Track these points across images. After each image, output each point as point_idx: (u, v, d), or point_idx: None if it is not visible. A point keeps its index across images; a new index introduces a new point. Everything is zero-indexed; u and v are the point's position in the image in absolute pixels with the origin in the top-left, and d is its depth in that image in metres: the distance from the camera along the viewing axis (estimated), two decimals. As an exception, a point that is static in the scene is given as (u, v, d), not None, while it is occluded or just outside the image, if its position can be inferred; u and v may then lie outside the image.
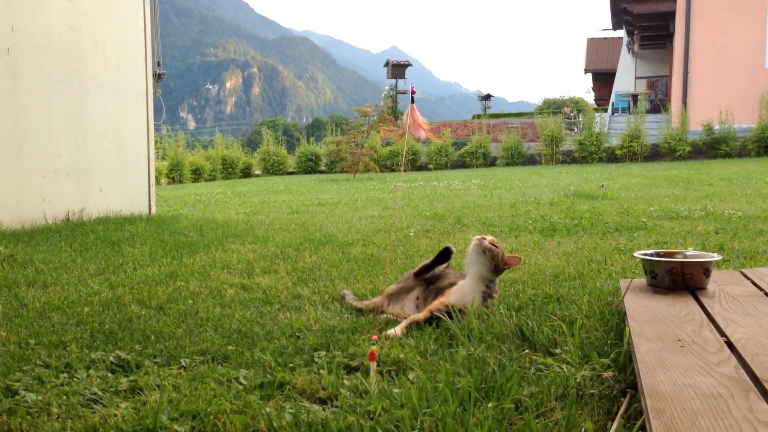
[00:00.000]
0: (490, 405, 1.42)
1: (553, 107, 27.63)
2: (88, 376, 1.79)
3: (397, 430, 1.35)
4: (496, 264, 2.22)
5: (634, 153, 15.52)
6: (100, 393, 1.64)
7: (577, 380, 1.57)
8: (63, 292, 2.84)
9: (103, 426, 1.42)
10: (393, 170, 17.51)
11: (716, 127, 15.19)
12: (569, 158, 16.49)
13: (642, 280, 2.32)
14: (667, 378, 1.33)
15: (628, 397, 1.47)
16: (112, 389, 1.69)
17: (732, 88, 17.22)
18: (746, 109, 15.65)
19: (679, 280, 2.16)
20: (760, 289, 2.16)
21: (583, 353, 1.76)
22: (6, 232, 4.75)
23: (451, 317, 2.13)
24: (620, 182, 8.69)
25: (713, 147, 15.00)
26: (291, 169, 19.11)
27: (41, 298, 2.71)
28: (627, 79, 24.37)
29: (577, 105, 27.31)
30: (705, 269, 2.16)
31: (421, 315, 2.23)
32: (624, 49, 25.19)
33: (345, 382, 1.68)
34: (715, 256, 2.21)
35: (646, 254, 2.30)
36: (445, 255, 2.42)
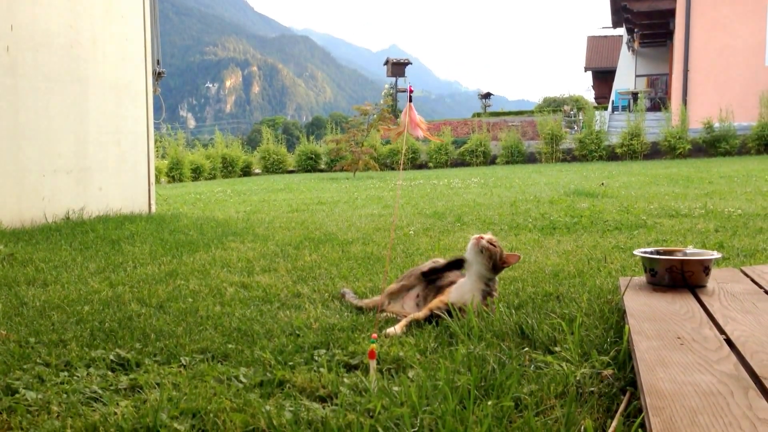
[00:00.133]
0: (489, 403, 1.43)
1: (553, 105, 27.62)
2: (88, 374, 1.79)
3: (396, 428, 1.35)
4: (494, 263, 2.22)
5: (634, 151, 15.51)
6: (100, 391, 1.64)
7: (577, 378, 1.57)
8: (63, 290, 2.84)
9: (103, 424, 1.43)
10: (393, 169, 17.51)
11: (716, 125, 15.18)
12: (569, 156, 16.49)
13: (642, 278, 2.33)
14: (667, 376, 1.33)
15: (627, 394, 1.48)
16: (112, 387, 1.69)
17: (732, 86, 17.21)
18: (746, 107, 15.64)
19: (679, 277, 2.16)
20: (760, 286, 2.16)
21: (583, 351, 1.76)
22: (6, 230, 4.75)
23: (451, 315, 2.14)
24: (620, 180, 8.69)
25: (713, 145, 14.99)
26: (291, 168, 19.10)
27: (41, 297, 2.71)
28: (627, 77, 24.35)
29: (577, 103, 27.31)
30: (705, 267, 2.16)
31: (421, 313, 2.23)
32: (624, 47, 25.17)
33: (345, 380, 1.68)
34: (715, 254, 2.21)
35: (645, 252, 2.30)
36: (457, 264, 2.40)
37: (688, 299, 2.00)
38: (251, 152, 20.69)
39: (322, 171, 18.44)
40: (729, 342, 1.56)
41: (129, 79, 6.37)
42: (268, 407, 1.48)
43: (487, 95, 33.14)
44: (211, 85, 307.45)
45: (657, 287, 2.18)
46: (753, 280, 2.26)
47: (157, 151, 16.60)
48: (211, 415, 1.45)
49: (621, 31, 25.50)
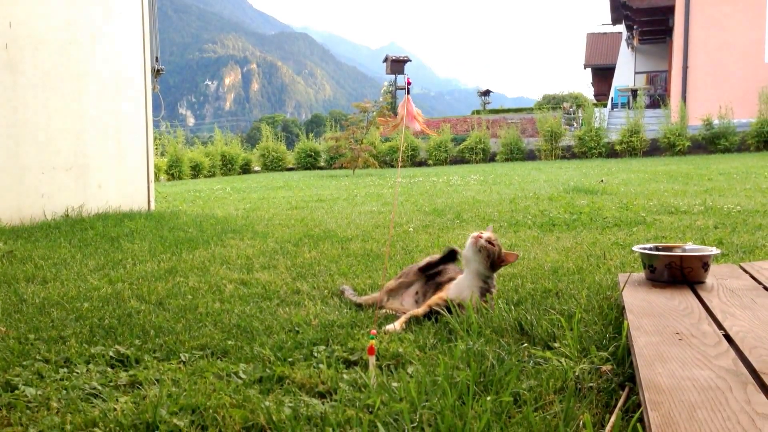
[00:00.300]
0: (488, 398, 1.43)
1: (552, 103, 27.61)
2: (87, 370, 1.79)
3: (395, 424, 1.36)
4: (492, 261, 2.22)
5: (633, 148, 15.51)
6: (99, 387, 1.65)
7: (576, 374, 1.57)
8: (62, 287, 2.84)
9: (103, 420, 1.43)
10: (392, 166, 17.50)
11: (715, 122, 15.17)
12: (569, 153, 16.48)
13: (641, 275, 2.33)
14: (666, 371, 1.33)
15: (626, 390, 1.48)
16: (111, 384, 1.69)
17: (731, 82, 17.21)
18: (746, 103, 15.63)
19: (678, 273, 2.16)
20: (759, 282, 2.16)
21: (582, 347, 1.76)
22: (5, 228, 4.75)
23: (450, 312, 2.14)
24: (620, 177, 8.69)
25: (712, 142, 14.99)
26: (290, 165, 19.09)
27: (41, 294, 2.71)
28: (626, 74, 24.34)
29: (577, 100, 27.29)
30: (703, 263, 2.17)
31: (420, 310, 2.23)
32: (623, 44, 25.16)
33: (344, 376, 1.68)
34: (714, 250, 2.21)
35: (644, 248, 2.30)
36: (451, 256, 2.42)
37: (687, 295, 2.00)
38: (250, 150, 20.67)
39: (321, 168, 18.43)
40: (728, 337, 1.56)
41: (128, 76, 6.36)
42: (267, 403, 1.49)
43: (487, 92, 33.12)
44: (210, 83, 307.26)
45: (656, 283, 2.19)
46: (752, 276, 2.27)
47: (156, 148, 16.59)
48: (211, 410, 1.46)
49: (620, 28, 25.48)
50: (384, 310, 2.38)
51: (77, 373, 1.77)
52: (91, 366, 1.82)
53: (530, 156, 17.04)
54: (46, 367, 1.81)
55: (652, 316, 1.77)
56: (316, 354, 1.88)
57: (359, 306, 2.43)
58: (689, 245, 2.35)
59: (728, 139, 14.80)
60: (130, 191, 6.40)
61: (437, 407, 1.38)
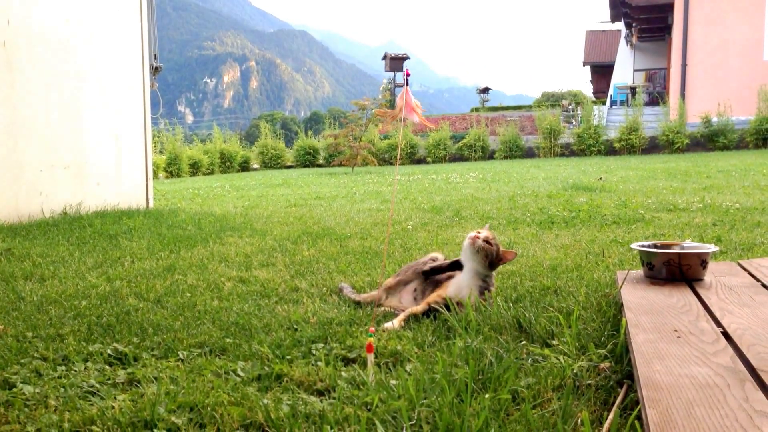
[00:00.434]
0: (487, 396, 1.43)
1: (551, 100, 27.59)
2: (85, 368, 1.79)
3: (394, 421, 1.36)
4: (491, 261, 2.22)
5: (632, 146, 15.52)
6: (97, 385, 1.64)
7: (574, 371, 1.57)
8: (60, 285, 2.84)
9: (101, 418, 1.43)
10: (391, 164, 17.50)
11: (714, 119, 15.18)
12: (567, 151, 16.48)
13: (639, 272, 2.33)
14: (663, 368, 1.33)
15: (624, 387, 1.48)
16: (109, 381, 1.69)
17: (730, 80, 17.22)
18: (744, 101, 15.64)
19: (676, 271, 2.16)
20: (757, 280, 2.17)
21: (580, 344, 1.76)
22: (3, 225, 4.74)
23: (448, 310, 2.14)
24: (618, 175, 8.69)
25: (711, 139, 15.00)
26: (289, 163, 19.08)
27: (39, 292, 2.70)
28: (625, 71, 24.34)
29: (576, 98, 27.29)
30: (702, 260, 2.17)
31: (419, 307, 2.23)
32: (622, 42, 25.16)
33: (342, 373, 1.68)
34: (712, 248, 2.21)
35: (643, 246, 2.30)
36: (457, 265, 2.39)
37: (685, 292, 2.00)
38: (249, 147, 20.67)
39: (320, 166, 18.42)
40: (726, 335, 1.57)
41: (126, 74, 6.35)
42: (265, 401, 1.49)
43: (486, 90, 33.11)
44: (209, 80, 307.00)
45: (654, 281, 2.19)
46: (750, 274, 2.27)
47: (154, 146, 16.58)
48: (209, 408, 1.45)
49: (619, 25, 25.48)
50: (383, 308, 2.38)
51: (75, 371, 1.77)
52: (89, 364, 1.82)
53: (529, 153, 17.04)
54: (44, 365, 1.81)
55: (650, 314, 1.77)
56: (314, 352, 1.88)
57: (358, 304, 2.43)
58: (688, 243, 2.35)
59: (727, 136, 14.81)
60: (129, 189, 6.39)
61: (435, 405, 1.38)
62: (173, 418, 1.42)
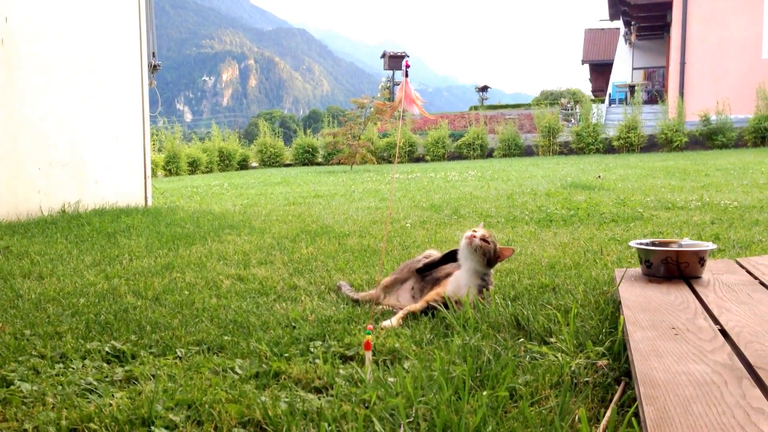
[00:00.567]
0: (484, 393, 1.43)
1: (550, 98, 27.60)
2: (83, 366, 1.79)
3: (391, 418, 1.36)
4: (488, 259, 2.22)
5: (631, 144, 15.52)
6: (95, 383, 1.64)
7: (572, 368, 1.57)
8: (59, 283, 2.84)
9: (98, 415, 1.42)
10: (390, 162, 17.49)
11: (713, 117, 15.18)
12: (566, 149, 16.49)
13: (637, 270, 2.33)
14: (661, 365, 1.33)
15: (622, 384, 1.48)
16: (107, 379, 1.69)
17: (729, 78, 17.22)
18: (743, 99, 15.65)
19: (674, 269, 2.16)
20: (755, 277, 2.17)
21: (578, 342, 1.76)
22: (2, 223, 4.74)
23: (447, 308, 2.14)
24: (617, 173, 8.69)
25: (710, 138, 15.00)
26: (288, 161, 19.07)
27: (37, 290, 2.70)
28: (624, 69, 24.34)
29: (575, 96, 27.29)
30: (700, 258, 2.17)
31: (418, 305, 2.23)
32: (621, 40, 25.15)
33: (340, 371, 1.68)
34: (710, 245, 2.22)
35: (641, 244, 2.30)
36: (452, 257, 2.40)
37: (683, 290, 2.00)
38: (248, 146, 20.66)
39: (319, 164, 18.41)
40: (723, 332, 1.57)
41: (125, 72, 6.35)
42: (263, 398, 1.49)
43: (485, 88, 33.09)
44: (207, 79, 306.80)
45: (652, 278, 2.19)
46: (748, 271, 2.27)
47: (153, 144, 16.57)
48: (207, 406, 1.45)
49: (618, 23, 25.47)
50: (381, 306, 2.38)
51: (73, 368, 1.77)
52: (86, 361, 1.82)
53: (528, 152, 17.04)
54: (41, 362, 1.81)
55: (648, 311, 1.77)
56: (312, 349, 1.88)
57: (356, 302, 2.43)
58: (686, 240, 2.35)
59: (725, 134, 14.81)
60: (127, 187, 6.39)
61: (433, 402, 1.38)
62: (171, 416, 1.42)
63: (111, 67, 6.18)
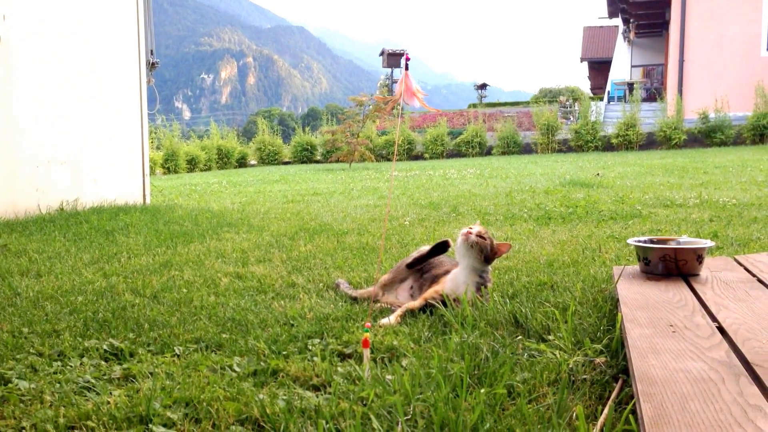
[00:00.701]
0: (482, 391, 1.43)
1: (549, 96, 27.59)
2: (81, 364, 1.79)
3: (389, 416, 1.36)
4: (485, 255, 2.22)
5: (629, 141, 15.53)
6: (93, 381, 1.64)
7: (570, 366, 1.57)
8: (57, 281, 2.83)
9: (96, 413, 1.42)
10: (389, 160, 17.49)
11: (712, 115, 15.19)
12: (565, 147, 16.49)
13: (635, 267, 2.33)
14: (659, 363, 1.33)
15: (620, 382, 1.48)
16: (105, 377, 1.69)
17: (728, 76, 17.21)
18: (742, 97, 15.65)
19: (672, 266, 2.17)
20: (753, 275, 2.17)
21: (576, 339, 1.76)
22: (0, 221, 4.73)
23: (445, 305, 2.14)
24: (616, 171, 8.70)
25: (709, 135, 15.01)
26: (286, 159, 19.06)
27: (35, 288, 2.70)
28: (623, 67, 24.33)
29: (573, 94, 27.28)
30: (698, 255, 2.17)
31: (416, 303, 2.23)
32: (620, 38, 25.13)
33: (338, 369, 1.68)
34: (708, 243, 2.22)
35: (639, 241, 2.30)
36: (441, 248, 2.41)
37: (681, 287, 2.01)
38: (247, 144, 20.64)
39: (317, 162, 18.40)
40: (721, 329, 1.57)
41: (122, 69, 6.34)
42: (261, 396, 1.49)
43: (483, 86, 33.07)
44: (206, 76, 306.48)
45: (650, 276, 2.19)
46: (746, 269, 2.27)
47: (152, 142, 16.54)
48: (205, 404, 1.45)
49: (617, 21, 25.45)
50: (379, 304, 2.38)
51: (71, 366, 1.77)
52: (84, 359, 1.82)
53: (527, 149, 17.04)
54: (39, 360, 1.80)
55: (646, 309, 1.77)
56: (310, 347, 1.88)
57: (354, 299, 2.43)
58: (684, 238, 2.35)
59: (724, 132, 14.82)
60: (126, 185, 6.38)
61: (431, 399, 1.38)
62: (169, 414, 1.42)
63: (109, 65, 6.17)
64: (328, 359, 1.76)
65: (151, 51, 6.79)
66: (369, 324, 1.85)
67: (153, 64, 6.81)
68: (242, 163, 18.77)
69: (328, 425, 1.33)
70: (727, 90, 15.87)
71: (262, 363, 1.75)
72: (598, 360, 1.60)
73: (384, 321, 2.09)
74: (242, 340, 1.94)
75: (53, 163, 5.51)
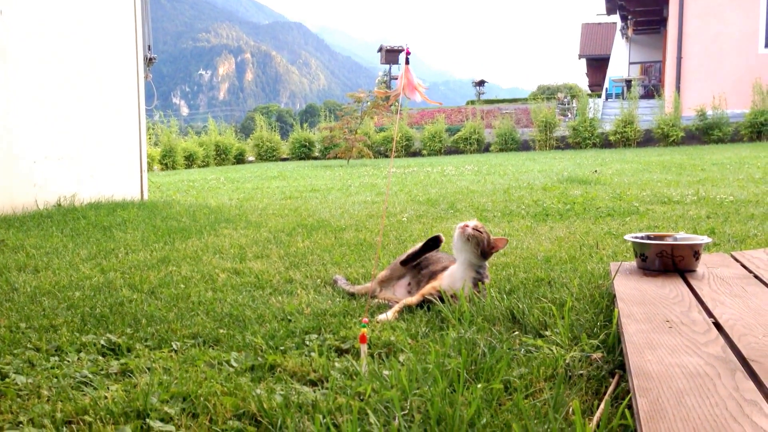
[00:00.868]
0: (479, 386, 1.43)
1: (547, 93, 27.59)
2: (78, 359, 1.79)
3: (386, 411, 1.36)
4: (482, 249, 2.22)
5: (627, 138, 15.53)
6: (90, 376, 1.64)
7: (567, 361, 1.58)
8: (54, 276, 2.83)
9: (93, 408, 1.42)
10: (387, 156, 17.48)
11: (709, 112, 15.19)
12: (563, 144, 16.49)
13: (632, 263, 2.34)
14: (655, 358, 1.34)
15: (616, 377, 1.48)
16: (102, 372, 1.69)
17: (725, 73, 17.22)
18: (739, 94, 15.65)
19: (669, 262, 2.17)
20: (750, 271, 2.17)
21: (573, 335, 1.77)
22: (-3, 217, 4.73)
23: (443, 302, 2.14)
24: (613, 168, 8.70)
25: (706, 132, 15.01)
26: (284, 156, 19.03)
27: (32, 283, 2.70)
28: (621, 64, 24.33)
29: (571, 91, 27.29)
30: (695, 252, 2.17)
31: (414, 299, 2.23)
32: (618, 35, 25.12)
33: (336, 364, 1.69)
34: (705, 239, 2.22)
35: (636, 237, 2.30)
36: (433, 243, 2.42)
37: (677, 283, 2.01)
38: (245, 140, 20.60)
39: (315, 159, 18.38)
40: (717, 325, 1.57)
41: (120, 65, 6.32)
42: (258, 391, 1.49)
43: (481, 83, 33.04)
44: (204, 72, 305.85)
45: (647, 272, 2.19)
46: (743, 265, 2.28)
47: (149, 138, 16.50)
48: (202, 398, 1.46)
49: (615, 18, 25.42)
50: (376, 300, 2.38)
51: (68, 361, 1.77)
52: (82, 354, 1.82)
53: (524, 146, 17.04)
54: (37, 355, 1.80)
55: (642, 304, 1.77)
56: (308, 342, 1.88)
57: (352, 295, 2.44)
58: (681, 234, 2.36)
59: (722, 129, 14.82)
60: (123, 181, 6.37)
61: (428, 395, 1.38)
62: (166, 408, 1.42)
63: (106, 60, 6.16)
64: (326, 354, 1.76)
65: (149, 46, 6.78)
66: (366, 320, 1.85)
67: (150, 59, 6.80)
68: (240, 159, 18.74)
69: (325, 420, 1.33)
70: (725, 87, 15.87)
71: (259, 358, 1.75)
72: (594, 355, 1.60)
73: (381, 317, 2.09)
74: (240, 336, 1.94)
75: (50, 158, 5.50)
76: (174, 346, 1.88)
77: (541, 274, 2.57)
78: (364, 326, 1.74)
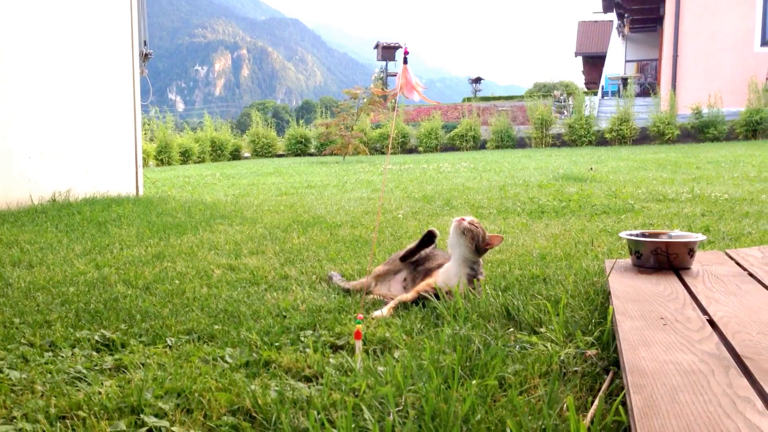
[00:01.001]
0: (474, 382, 1.43)
1: (543, 90, 27.60)
2: (72, 354, 1.78)
3: (381, 407, 1.36)
4: (477, 244, 2.22)
5: (623, 136, 15.55)
6: (84, 371, 1.64)
7: (561, 358, 1.58)
8: (48, 272, 2.82)
9: (87, 403, 1.42)
10: (383, 153, 17.47)
11: (705, 110, 15.22)
12: (559, 141, 16.50)
13: (627, 261, 2.34)
14: (649, 355, 1.34)
15: (610, 374, 1.49)
16: (96, 368, 1.68)
17: (721, 71, 17.25)
18: (735, 92, 15.69)
19: (664, 260, 2.17)
20: (744, 269, 2.18)
21: (568, 332, 1.77)
22: (-9, 212, 4.71)
23: (438, 298, 2.14)
24: (609, 165, 8.72)
25: (702, 130, 15.05)
26: (280, 152, 19.01)
27: (26, 278, 2.69)
28: (617, 62, 24.34)
29: (567, 88, 27.31)
30: (689, 249, 2.18)
31: (409, 296, 2.23)
32: (614, 33, 25.13)
33: (331, 360, 1.69)
34: (700, 237, 2.23)
35: (631, 235, 2.31)
36: (429, 238, 2.42)
37: (672, 281, 2.01)
38: (240, 136, 20.58)
39: (311, 155, 18.37)
40: (711, 322, 1.58)
41: (115, 61, 6.30)
42: (253, 387, 1.49)
43: (478, 80, 33.06)
44: (200, 68, 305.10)
45: (642, 269, 2.20)
46: (737, 263, 2.28)
47: (145, 134, 16.47)
48: (196, 394, 1.45)
49: (611, 16, 25.44)
50: (371, 296, 2.38)
51: (62, 356, 1.76)
52: (76, 350, 1.82)
53: (520, 143, 17.05)
54: (31, 350, 1.80)
55: (637, 302, 1.78)
56: (303, 339, 1.88)
57: (347, 291, 2.43)
58: (676, 232, 2.36)
59: (717, 127, 14.86)
60: (118, 176, 6.36)
61: (422, 391, 1.38)
62: (160, 404, 1.41)
63: (102, 55, 6.14)
64: (321, 351, 1.76)
65: (145, 41, 6.75)
66: (361, 316, 1.85)
67: (146, 54, 6.77)
68: (236, 155, 18.72)
69: (319, 416, 1.33)
70: (721, 85, 15.91)
71: (254, 354, 1.75)
72: (589, 352, 1.61)
73: (377, 313, 2.09)
74: (234, 332, 1.94)
75: (45, 154, 5.48)
76: (168, 342, 1.88)
77: (536, 271, 2.58)
78: (359, 322, 1.74)
